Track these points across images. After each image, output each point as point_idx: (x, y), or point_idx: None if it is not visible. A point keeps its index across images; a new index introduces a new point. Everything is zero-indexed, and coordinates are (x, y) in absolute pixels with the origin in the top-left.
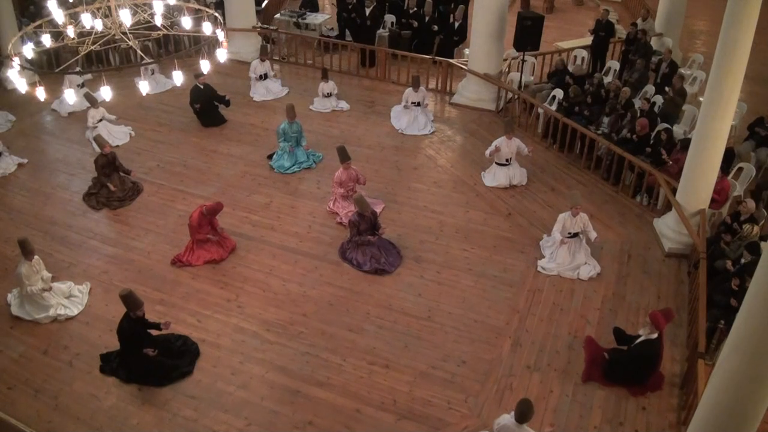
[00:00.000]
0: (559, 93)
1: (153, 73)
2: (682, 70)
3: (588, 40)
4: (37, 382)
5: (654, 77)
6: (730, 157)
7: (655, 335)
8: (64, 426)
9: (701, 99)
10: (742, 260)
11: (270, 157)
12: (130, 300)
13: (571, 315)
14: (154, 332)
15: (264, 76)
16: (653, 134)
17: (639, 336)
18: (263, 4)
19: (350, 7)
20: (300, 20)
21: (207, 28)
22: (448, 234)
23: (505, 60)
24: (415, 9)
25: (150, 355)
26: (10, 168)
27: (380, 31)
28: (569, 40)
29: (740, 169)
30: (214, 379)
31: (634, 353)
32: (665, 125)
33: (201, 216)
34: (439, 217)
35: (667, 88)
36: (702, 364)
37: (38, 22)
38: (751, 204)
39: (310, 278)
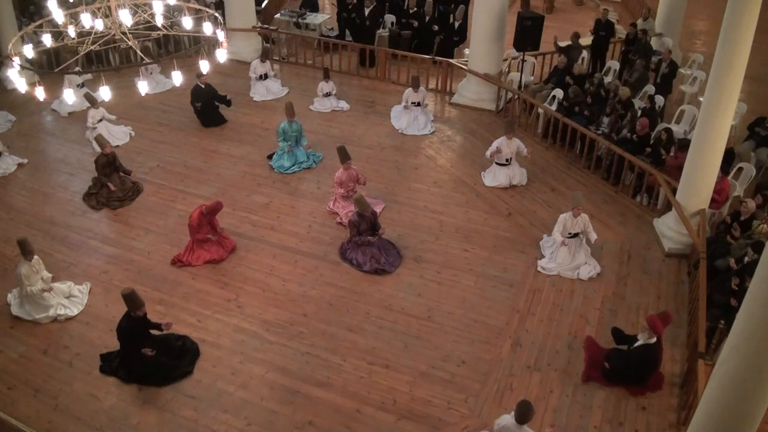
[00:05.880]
0: (559, 93)
1: (152, 73)
2: (681, 69)
3: (588, 40)
4: (37, 382)
5: (654, 77)
6: (730, 157)
7: (654, 339)
8: (64, 426)
9: (701, 99)
10: (746, 259)
11: (270, 157)
12: (131, 299)
13: (571, 315)
14: (154, 332)
15: (264, 76)
16: (653, 134)
17: (637, 336)
18: (263, 4)
19: (350, 7)
20: (300, 20)
21: (207, 28)
22: (448, 234)
23: (505, 60)
24: (416, 9)
25: (148, 355)
26: (10, 168)
27: (380, 31)
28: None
29: (740, 169)
30: (214, 379)
31: (633, 358)
32: (665, 125)
33: (201, 216)
34: (439, 217)
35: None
36: (702, 364)
37: (38, 22)
38: (751, 204)
39: (310, 278)
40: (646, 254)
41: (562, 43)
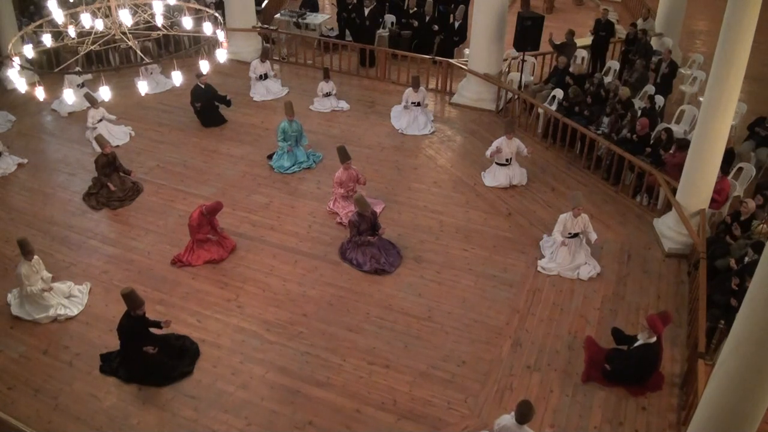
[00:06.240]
0: (559, 93)
1: (152, 73)
2: (681, 69)
3: (588, 40)
4: (37, 382)
5: (654, 77)
6: (730, 157)
7: (654, 339)
8: (64, 426)
9: (701, 99)
10: (746, 259)
11: (270, 157)
12: (131, 298)
13: (571, 315)
14: (155, 331)
15: (264, 76)
16: (653, 134)
17: (637, 336)
18: (263, 4)
19: (350, 7)
20: (300, 20)
21: (207, 28)
22: (448, 234)
23: (505, 60)
24: (416, 9)
25: (150, 353)
26: (10, 168)
27: (380, 31)
28: None
29: (740, 169)
30: (214, 379)
31: (634, 358)
32: (665, 125)
33: (201, 216)
34: (439, 217)
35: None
36: (702, 364)
37: (38, 22)
38: (751, 204)
39: (310, 278)
40: (646, 254)
41: (558, 41)
